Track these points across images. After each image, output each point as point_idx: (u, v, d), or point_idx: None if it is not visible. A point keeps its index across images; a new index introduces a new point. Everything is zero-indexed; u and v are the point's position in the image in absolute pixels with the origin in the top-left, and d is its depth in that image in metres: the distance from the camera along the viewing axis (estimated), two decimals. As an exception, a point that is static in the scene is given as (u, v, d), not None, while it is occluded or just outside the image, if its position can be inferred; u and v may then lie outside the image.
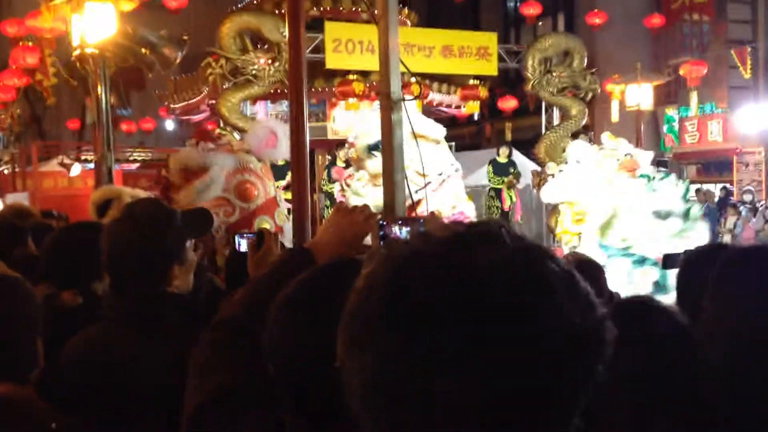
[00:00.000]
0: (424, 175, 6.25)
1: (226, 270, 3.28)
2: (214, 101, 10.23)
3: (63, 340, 1.91)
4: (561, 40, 9.93)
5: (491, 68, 11.57)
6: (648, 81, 12.37)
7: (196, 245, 2.16)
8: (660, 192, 6.99)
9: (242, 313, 1.44)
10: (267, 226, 5.38)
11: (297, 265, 1.47)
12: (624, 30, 18.39)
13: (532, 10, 14.72)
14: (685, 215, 6.95)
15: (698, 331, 1.44)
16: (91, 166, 9.65)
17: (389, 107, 3.85)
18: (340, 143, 11.00)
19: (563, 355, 0.71)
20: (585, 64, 9.67)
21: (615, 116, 13.01)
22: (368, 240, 1.75)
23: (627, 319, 1.27)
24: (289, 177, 5.83)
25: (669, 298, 2.31)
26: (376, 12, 3.98)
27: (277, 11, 10.35)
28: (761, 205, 14.77)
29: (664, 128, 20.11)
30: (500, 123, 18.77)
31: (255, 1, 12.21)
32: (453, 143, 12.38)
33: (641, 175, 7.19)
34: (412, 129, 4.19)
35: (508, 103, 15.69)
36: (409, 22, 12.62)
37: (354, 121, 10.78)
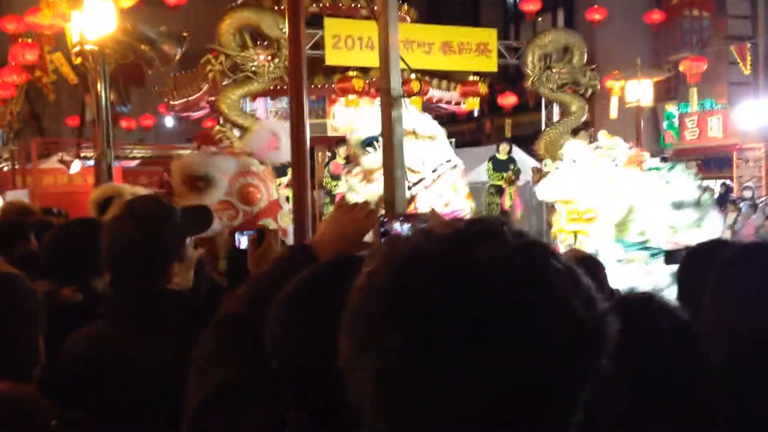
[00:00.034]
0: (416, 172, 6.22)
1: (226, 267, 3.28)
2: (213, 98, 10.24)
3: (63, 337, 1.91)
4: (561, 36, 9.90)
5: (491, 64, 11.58)
6: (648, 77, 12.32)
7: (195, 243, 2.16)
8: (674, 182, 6.93)
9: (244, 311, 1.44)
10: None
11: (298, 262, 1.47)
12: (624, 26, 18.38)
13: (531, 6, 14.67)
14: (696, 204, 6.89)
15: (699, 327, 1.44)
16: (91, 163, 9.63)
17: (389, 104, 3.85)
18: (340, 140, 10.99)
19: (564, 354, 0.71)
20: (585, 60, 9.65)
21: (614, 112, 12.98)
22: (369, 237, 1.75)
23: (628, 315, 1.26)
24: (290, 174, 5.82)
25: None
26: (375, 8, 3.98)
27: (276, 7, 10.33)
28: (761, 202, 14.74)
29: (664, 124, 20.09)
30: (500, 119, 18.72)
31: (254, -2, 12.20)
32: (453, 140, 12.36)
33: (650, 168, 7.13)
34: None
35: (508, 100, 15.69)
36: (408, 19, 12.62)
37: (354, 118, 10.77)
